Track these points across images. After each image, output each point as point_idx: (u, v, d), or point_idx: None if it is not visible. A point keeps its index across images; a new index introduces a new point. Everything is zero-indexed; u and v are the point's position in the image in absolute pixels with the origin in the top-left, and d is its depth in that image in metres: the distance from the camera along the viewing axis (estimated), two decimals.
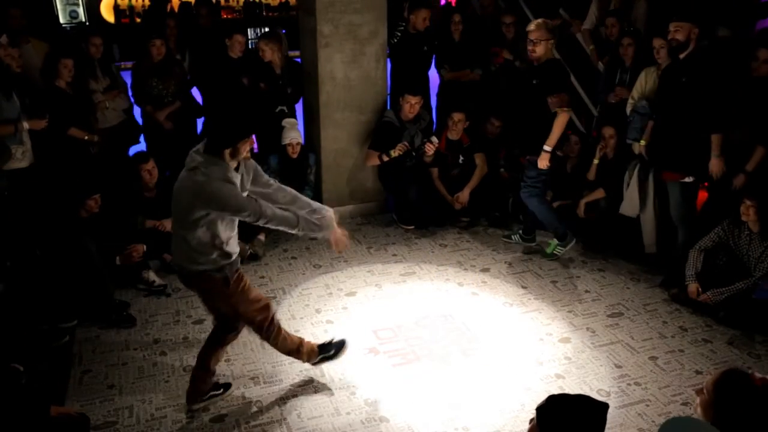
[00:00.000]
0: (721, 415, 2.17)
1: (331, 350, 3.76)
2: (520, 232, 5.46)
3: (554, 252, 5.19)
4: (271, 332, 3.51)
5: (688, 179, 4.52)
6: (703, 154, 4.43)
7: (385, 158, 5.65)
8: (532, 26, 4.68)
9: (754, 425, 2.13)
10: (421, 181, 5.87)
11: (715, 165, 4.42)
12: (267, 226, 3.28)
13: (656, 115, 4.68)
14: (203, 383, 3.54)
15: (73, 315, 4.23)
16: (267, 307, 3.48)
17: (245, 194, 3.24)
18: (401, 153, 5.64)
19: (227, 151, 3.10)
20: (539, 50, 4.63)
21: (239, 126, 3.18)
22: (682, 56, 4.34)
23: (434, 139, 5.76)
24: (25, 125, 4.62)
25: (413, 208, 5.82)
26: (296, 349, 3.65)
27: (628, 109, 5.00)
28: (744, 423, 2.13)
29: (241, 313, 3.41)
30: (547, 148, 4.78)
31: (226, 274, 3.27)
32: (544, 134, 4.77)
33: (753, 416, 2.13)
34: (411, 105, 5.64)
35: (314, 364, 3.76)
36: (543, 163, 4.84)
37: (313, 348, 3.72)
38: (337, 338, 3.83)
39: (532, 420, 2.13)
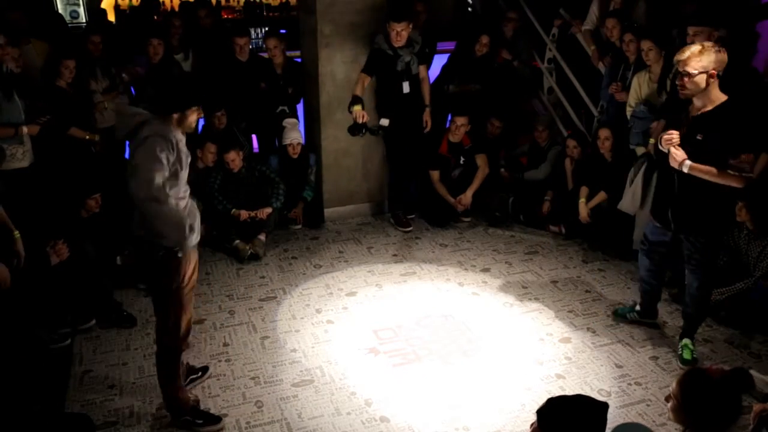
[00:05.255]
0: (692, 416, 2.21)
1: (200, 419, 3.39)
2: (638, 309, 4.35)
3: (694, 356, 3.97)
4: (172, 353, 3.27)
5: None
6: None
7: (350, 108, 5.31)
8: (686, 53, 3.35)
9: (723, 417, 2.19)
10: (421, 179, 5.93)
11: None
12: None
13: (666, 115, 4.65)
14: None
15: (88, 316, 4.26)
16: (188, 325, 3.33)
17: (185, 168, 3.06)
18: (355, 119, 5.21)
19: (175, 116, 2.97)
20: (691, 87, 3.37)
21: (191, 91, 3.05)
22: None
23: (384, 121, 5.49)
24: (24, 129, 4.60)
25: (411, 202, 5.83)
26: (181, 397, 3.35)
27: (628, 115, 4.99)
28: (714, 417, 2.18)
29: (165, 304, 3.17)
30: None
31: (177, 250, 3.06)
32: (717, 209, 3.67)
33: (720, 409, 2.18)
34: (397, 33, 5.18)
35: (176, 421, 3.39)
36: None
37: (189, 401, 3.40)
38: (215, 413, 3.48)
39: (533, 424, 2.14)
